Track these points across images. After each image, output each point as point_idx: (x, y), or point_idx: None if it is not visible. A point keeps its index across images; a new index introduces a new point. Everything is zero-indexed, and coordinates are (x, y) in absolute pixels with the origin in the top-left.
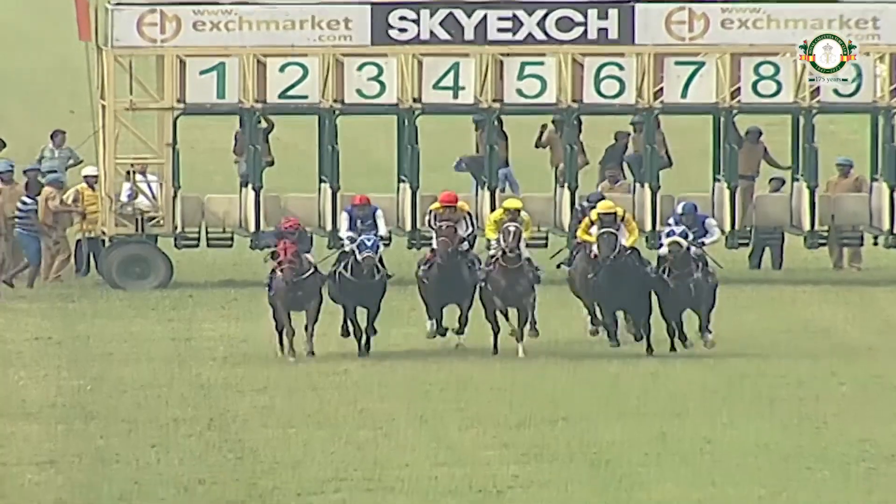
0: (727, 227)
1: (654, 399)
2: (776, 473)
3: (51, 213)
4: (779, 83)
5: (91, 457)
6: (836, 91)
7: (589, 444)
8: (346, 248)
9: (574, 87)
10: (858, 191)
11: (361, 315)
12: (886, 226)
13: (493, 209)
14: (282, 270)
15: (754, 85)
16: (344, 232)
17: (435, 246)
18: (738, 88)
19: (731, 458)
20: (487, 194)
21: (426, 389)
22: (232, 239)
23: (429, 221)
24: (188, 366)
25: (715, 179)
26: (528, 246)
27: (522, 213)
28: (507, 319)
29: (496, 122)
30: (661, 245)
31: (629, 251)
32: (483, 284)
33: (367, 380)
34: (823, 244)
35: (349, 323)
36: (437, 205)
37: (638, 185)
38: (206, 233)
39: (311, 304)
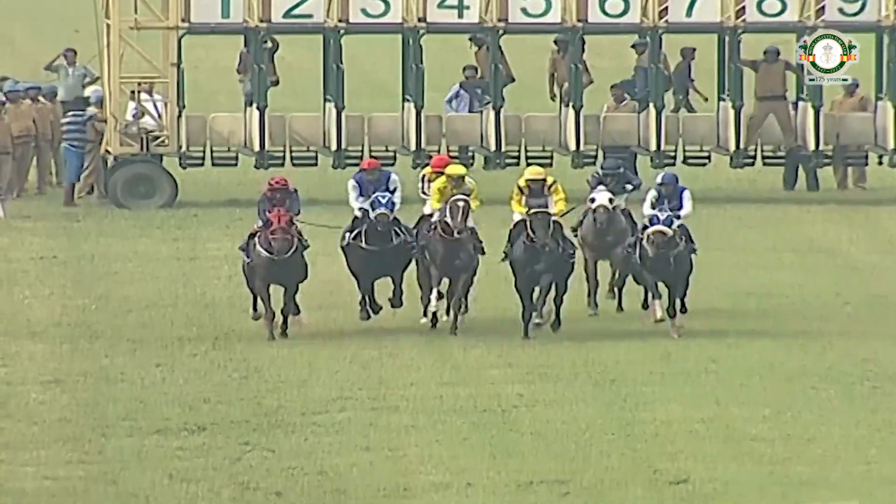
0: (732, 147)
1: None
2: (781, 393)
3: (95, 130)
4: (783, 2)
5: (96, 376)
6: (840, 10)
7: (594, 364)
8: (358, 213)
9: (579, 6)
10: (863, 110)
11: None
12: (891, 145)
13: (497, 129)
14: (273, 240)
15: (759, 4)
16: (354, 202)
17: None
18: (743, 7)
19: (735, 377)
20: (492, 114)
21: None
22: (237, 158)
23: (422, 189)
24: (193, 285)
25: (720, 99)
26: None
27: (468, 181)
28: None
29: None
30: (645, 227)
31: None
32: (421, 253)
33: None
34: (828, 164)
35: (367, 301)
36: (428, 169)
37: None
38: (211, 152)
39: (292, 279)
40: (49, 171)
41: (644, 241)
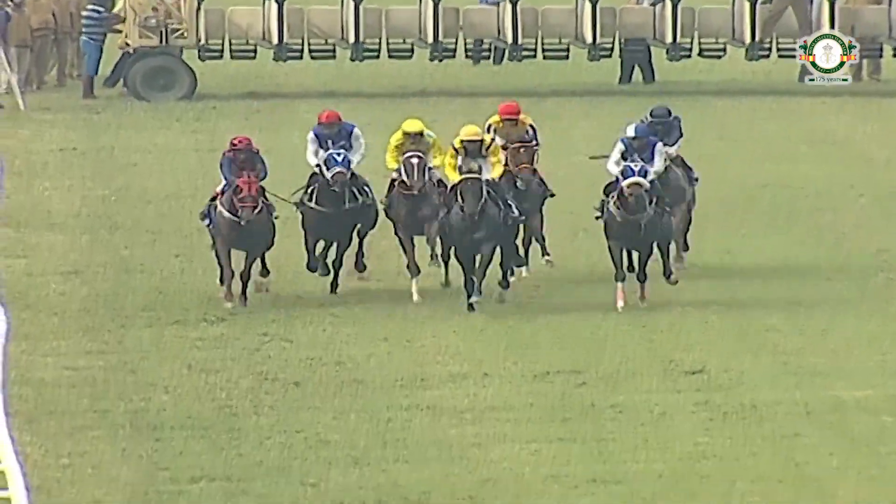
0: (747, 40)
1: None
2: (796, 285)
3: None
4: None
5: (115, 267)
6: None
7: (608, 260)
8: (315, 170)
9: None
10: (878, 2)
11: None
12: None
13: (514, 21)
14: (242, 208)
15: None
16: (311, 157)
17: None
18: None
19: (750, 268)
20: (510, 7)
21: None
22: (255, 51)
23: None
24: (212, 176)
25: None
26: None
27: (427, 134)
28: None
29: None
30: (617, 181)
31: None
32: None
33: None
34: None
35: (313, 261)
36: (496, 117)
37: None
38: (230, 45)
39: (256, 245)
40: (69, 63)
41: (611, 204)
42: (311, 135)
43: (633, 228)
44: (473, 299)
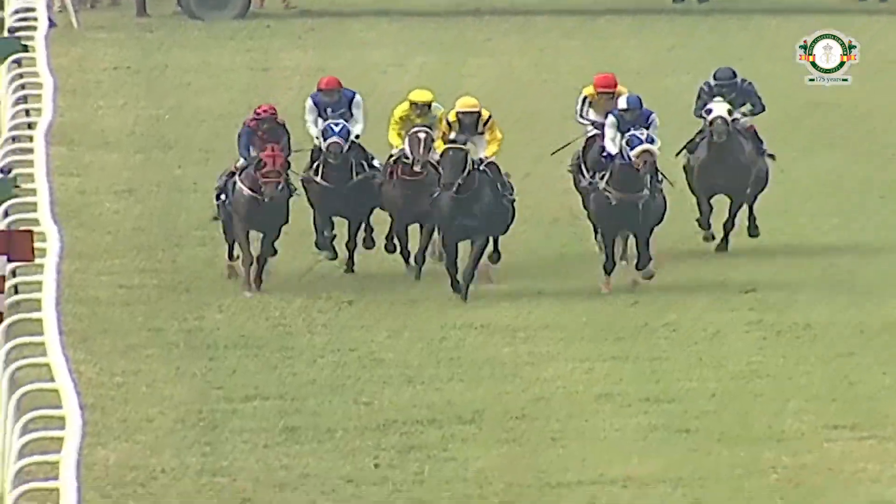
0: None
1: None
2: (848, 203)
3: None
4: None
5: (169, 186)
6: None
7: None
8: (316, 143)
9: None
10: None
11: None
12: None
13: None
14: (265, 184)
15: None
16: (311, 127)
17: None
18: None
19: (803, 188)
20: None
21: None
22: None
23: (580, 112)
24: (265, 96)
25: None
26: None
27: (435, 107)
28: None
29: None
30: (607, 157)
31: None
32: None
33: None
34: None
35: (321, 239)
36: (590, 89)
37: None
38: None
39: (275, 226)
40: None
41: (601, 184)
42: (308, 102)
43: (629, 210)
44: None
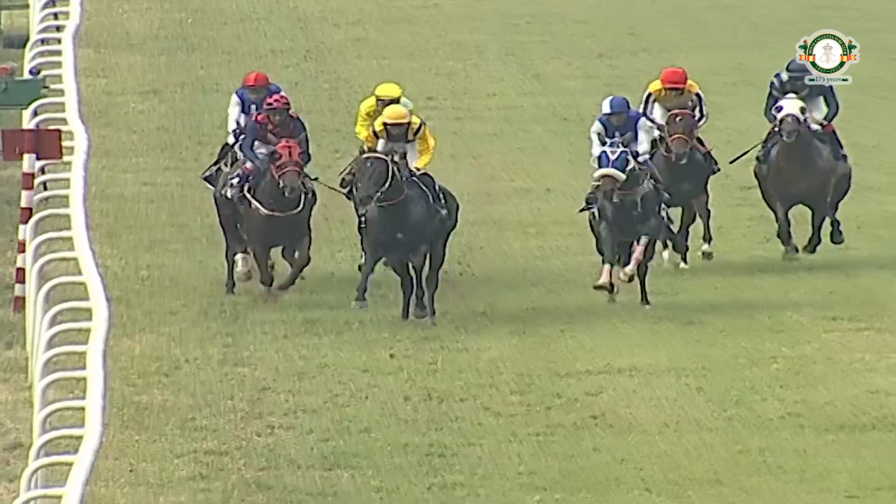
0: None
1: (732, 31)
2: (851, 101)
3: None
4: None
5: (192, 86)
6: None
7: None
8: (230, 140)
9: None
10: None
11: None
12: None
13: None
14: (283, 175)
15: None
16: (231, 123)
17: (673, 147)
18: None
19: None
20: None
21: (514, 22)
22: None
23: (645, 111)
24: (286, 2)
25: None
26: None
27: (403, 101)
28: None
29: None
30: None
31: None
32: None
33: (459, 12)
34: None
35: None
36: (657, 84)
37: None
38: None
39: (301, 239)
40: None
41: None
42: (234, 97)
43: (629, 208)
44: (418, 314)
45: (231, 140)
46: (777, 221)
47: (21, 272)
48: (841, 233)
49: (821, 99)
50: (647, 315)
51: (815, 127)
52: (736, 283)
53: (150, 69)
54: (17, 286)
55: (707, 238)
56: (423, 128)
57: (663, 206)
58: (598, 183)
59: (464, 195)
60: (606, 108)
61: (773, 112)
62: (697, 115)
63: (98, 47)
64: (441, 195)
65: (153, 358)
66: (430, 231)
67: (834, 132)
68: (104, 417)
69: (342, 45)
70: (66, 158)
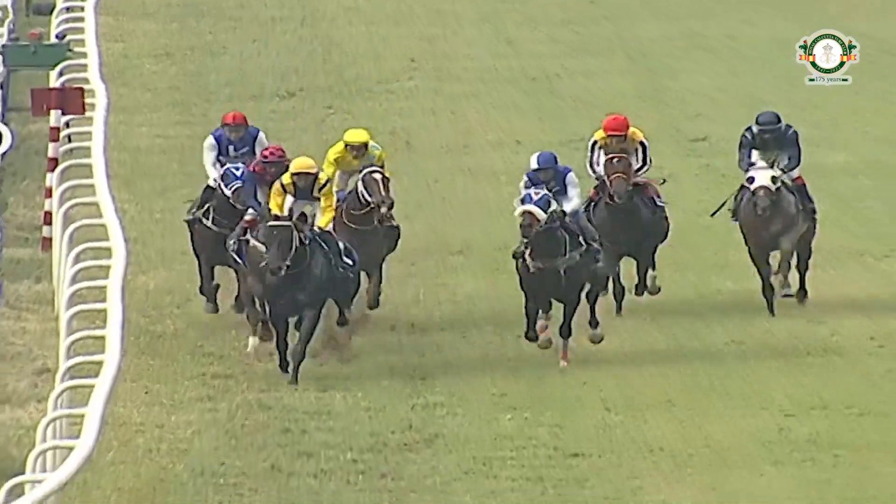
0: None
1: (687, 1)
2: (786, 60)
3: None
4: None
5: (201, 50)
6: None
7: (627, 40)
8: (210, 182)
9: None
10: None
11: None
12: None
13: None
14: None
15: None
16: (209, 167)
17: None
18: None
19: (753, 50)
20: None
21: None
22: None
23: (591, 160)
24: None
25: None
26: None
27: (372, 146)
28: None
29: None
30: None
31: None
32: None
33: None
34: None
35: (209, 289)
36: (600, 133)
37: None
38: None
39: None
40: None
41: (527, 252)
42: (209, 140)
43: (550, 277)
44: (290, 376)
45: (212, 184)
46: (756, 266)
47: (48, 215)
48: (806, 289)
49: (787, 152)
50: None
51: (787, 179)
52: (685, 225)
53: (163, 34)
54: (45, 228)
55: (640, 291)
56: (328, 184)
57: (598, 264)
58: (520, 220)
59: (442, 147)
60: (534, 164)
61: (746, 182)
62: (640, 162)
63: (116, 15)
64: (342, 253)
65: (166, 292)
66: (329, 291)
67: (804, 185)
68: (122, 345)
69: (335, 13)
70: (88, 114)
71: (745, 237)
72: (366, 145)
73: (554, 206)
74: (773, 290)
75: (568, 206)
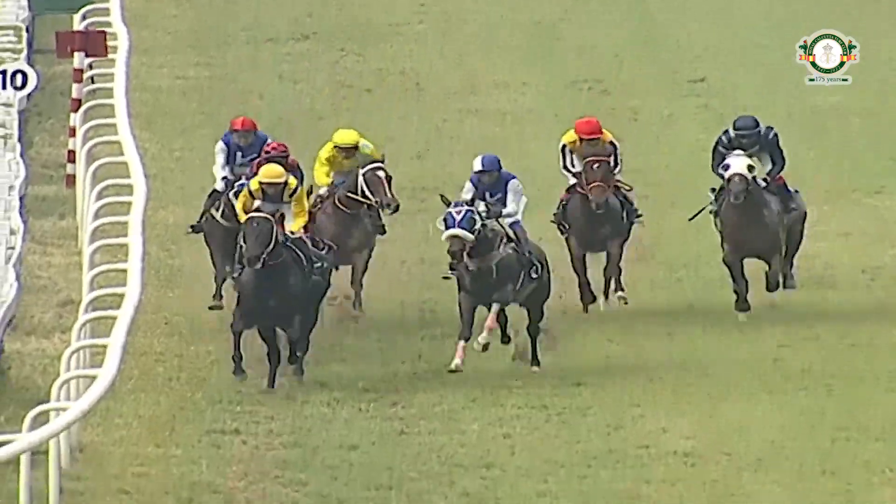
0: None
1: None
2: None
3: None
4: None
5: None
6: None
7: None
8: (219, 185)
9: None
10: None
11: None
12: None
13: None
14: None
15: None
16: (218, 171)
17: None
18: None
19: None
20: None
21: None
22: None
23: (564, 163)
24: None
25: None
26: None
27: (363, 146)
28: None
29: None
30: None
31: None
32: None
33: None
34: None
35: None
36: (571, 135)
37: None
38: None
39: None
40: None
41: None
42: (220, 144)
43: (484, 276)
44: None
45: (220, 187)
46: (731, 276)
47: (71, 154)
48: (793, 277)
49: (769, 155)
50: None
51: (762, 183)
52: (685, 163)
53: None
54: (69, 165)
55: (606, 293)
56: (299, 189)
57: (536, 267)
58: (448, 243)
59: (450, 88)
60: (478, 166)
61: (721, 170)
62: (613, 163)
63: None
64: (313, 258)
65: (185, 226)
66: (303, 299)
67: (784, 184)
68: (143, 278)
69: None
70: (110, 56)
71: (721, 240)
72: (356, 146)
73: (479, 222)
74: (746, 288)
75: (506, 211)
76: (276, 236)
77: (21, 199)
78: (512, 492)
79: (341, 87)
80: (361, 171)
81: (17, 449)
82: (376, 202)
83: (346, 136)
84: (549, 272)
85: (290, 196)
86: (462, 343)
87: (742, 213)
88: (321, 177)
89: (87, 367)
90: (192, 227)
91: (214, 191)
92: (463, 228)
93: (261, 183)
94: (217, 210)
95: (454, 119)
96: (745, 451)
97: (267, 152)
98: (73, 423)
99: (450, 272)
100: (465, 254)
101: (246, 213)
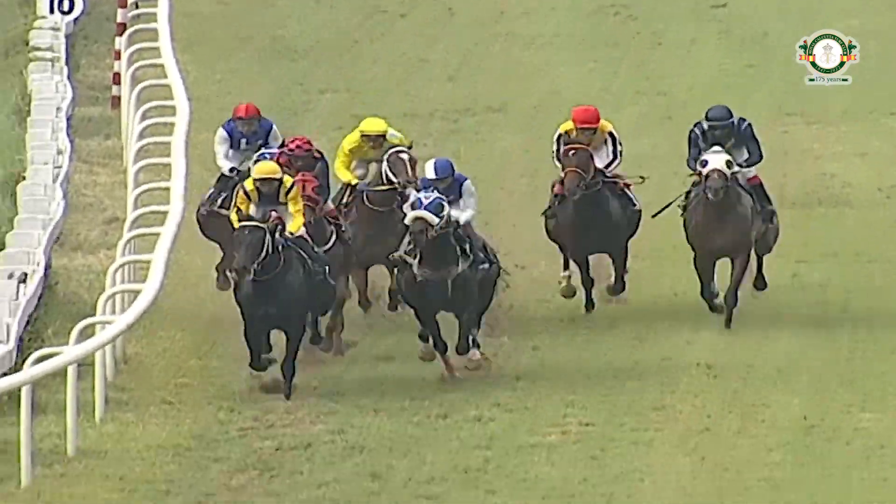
0: None
1: None
2: None
3: None
4: None
5: None
6: None
7: None
8: (226, 172)
9: None
10: None
11: None
12: None
13: None
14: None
15: None
16: (221, 160)
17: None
18: None
19: None
20: None
21: None
22: None
23: (557, 152)
24: None
25: None
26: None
27: (391, 135)
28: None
29: None
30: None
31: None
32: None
33: None
34: None
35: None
36: (569, 124)
37: None
38: None
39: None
40: None
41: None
42: (221, 132)
43: (437, 288)
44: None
45: (227, 172)
46: (698, 274)
47: (117, 76)
48: (764, 279)
49: (744, 148)
50: (633, 113)
51: (741, 179)
52: (708, 85)
53: None
54: (114, 87)
55: (613, 290)
56: (294, 188)
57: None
58: (411, 228)
59: (481, 14)
60: (430, 173)
61: (699, 166)
62: (611, 155)
63: None
64: (317, 255)
65: None
66: (309, 300)
67: (761, 184)
68: (186, 195)
69: None
70: None
71: (688, 240)
72: (384, 135)
73: (447, 209)
74: (714, 293)
75: (462, 217)
76: (268, 246)
77: (68, 119)
78: (541, 402)
79: (376, 12)
80: (386, 156)
81: (65, 361)
82: (398, 182)
83: (374, 125)
84: (497, 261)
85: (286, 195)
86: (444, 356)
87: (715, 212)
88: (342, 170)
89: (131, 282)
90: (203, 211)
91: (222, 175)
92: (429, 212)
93: (255, 180)
94: (219, 204)
95: (484, 43)
96: (765, 363)
97: (291, 150)
98: (117, 336)
99: (405, 255)
100: (419, 262)
101: (240, 220)
